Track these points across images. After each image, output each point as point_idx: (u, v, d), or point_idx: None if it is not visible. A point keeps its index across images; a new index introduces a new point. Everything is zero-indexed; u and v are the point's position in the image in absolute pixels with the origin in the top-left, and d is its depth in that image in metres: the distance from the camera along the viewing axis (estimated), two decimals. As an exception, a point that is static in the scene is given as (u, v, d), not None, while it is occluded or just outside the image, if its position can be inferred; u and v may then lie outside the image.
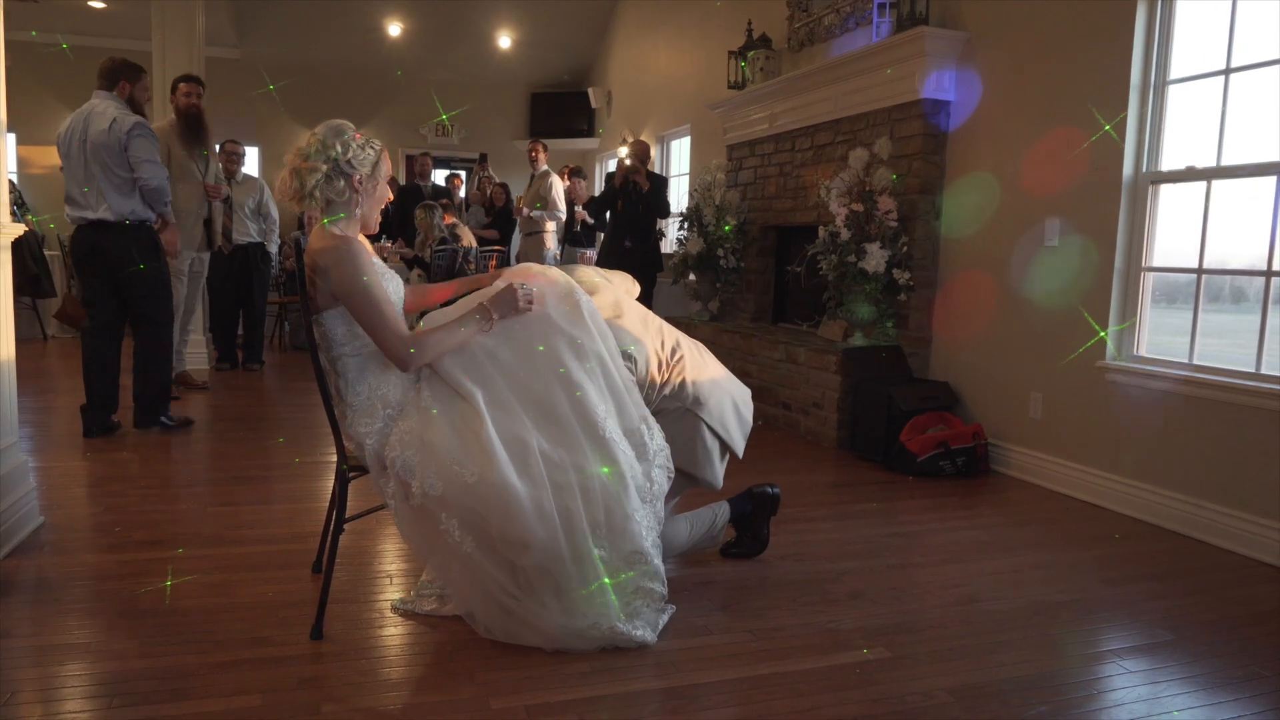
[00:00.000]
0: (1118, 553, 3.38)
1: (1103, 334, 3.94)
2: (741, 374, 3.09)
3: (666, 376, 2.78)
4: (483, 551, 2.31)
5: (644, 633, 2.41)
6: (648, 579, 2.46)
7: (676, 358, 2.80)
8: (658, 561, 2.47)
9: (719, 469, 2.89)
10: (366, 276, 2.34)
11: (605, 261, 7.15)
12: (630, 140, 8.64)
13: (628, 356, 2.64)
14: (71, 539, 3.10)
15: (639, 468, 2.45)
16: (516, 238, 9.07)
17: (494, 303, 2.45)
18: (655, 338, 2.78)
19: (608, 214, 7.45)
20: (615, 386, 2.49)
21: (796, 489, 4.04)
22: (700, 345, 2.96)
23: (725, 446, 2.90)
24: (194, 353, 6.42)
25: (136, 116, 4.60)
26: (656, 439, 2.54)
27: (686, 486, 2.91)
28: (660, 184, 7.28)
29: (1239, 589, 3.04)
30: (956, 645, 2.51)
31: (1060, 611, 2.78)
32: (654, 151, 9.52)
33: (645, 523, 2.43)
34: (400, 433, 2.35)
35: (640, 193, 7.03)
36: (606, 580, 2.37)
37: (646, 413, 2.57)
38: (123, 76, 4.66)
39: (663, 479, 2.53)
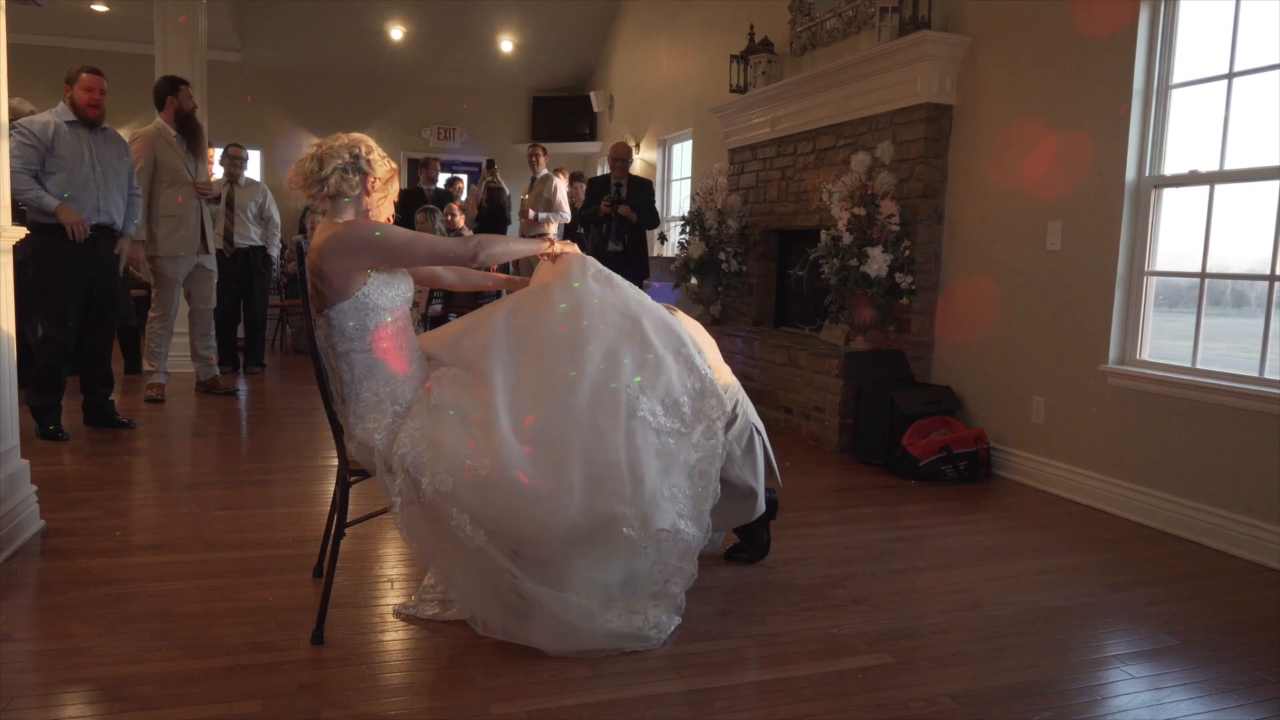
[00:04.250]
0: (1120, 557, 3.37)
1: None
2: (743, 377, 3.11)
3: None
4: (494, 544, 2.32)
5: (651, 631, 2.41)
6: (676, 557, 2.44)
7: (731, 379, 2.84)
8: (689, 534, 2.42)
9: (763, 492, 2.90)
10: (384, 229, 2.41)
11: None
12: (632, 144, 8.64)
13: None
14: (72, 543, 3.10)
15: (679, 441, 2.45)
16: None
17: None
18: (713, 353, 2.79)
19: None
20: (659, 360, 2.50)
21: (798, 493, 4.03)
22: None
23: (769, 469, 2.91)
24: (176, 354, 6.28)
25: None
26: (710, 408, 2.53)
27: (740, 512, 2.88)
28: (647, 191, 7.21)
29: (1243, 594, 3.03)
30: (959, 651, 2.50)
31: (1063, 616, 2.77)
32: (655, 155, 9.53)
33: (683, 496, 2.42)
34: (409, 430, 2.36)
35: (630, 224, 7.01)
36: (614, 582, 2.38)
37: (705, 381, 2.55)
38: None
39: (711, 450, 2.50)
